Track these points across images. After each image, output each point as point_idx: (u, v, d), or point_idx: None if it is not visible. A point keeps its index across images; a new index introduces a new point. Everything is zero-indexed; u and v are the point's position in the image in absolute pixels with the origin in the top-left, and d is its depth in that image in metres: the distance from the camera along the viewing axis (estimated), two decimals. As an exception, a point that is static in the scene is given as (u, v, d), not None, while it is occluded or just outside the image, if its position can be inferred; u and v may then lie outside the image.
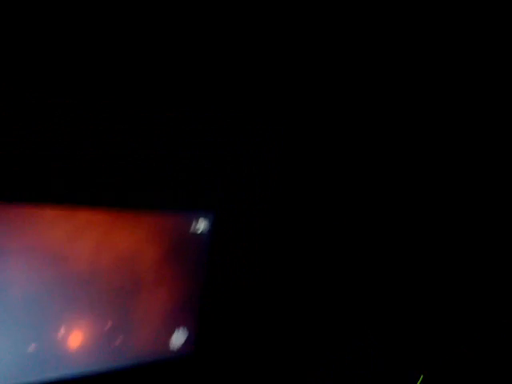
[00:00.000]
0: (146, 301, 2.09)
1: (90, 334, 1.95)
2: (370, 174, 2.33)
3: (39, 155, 1.71)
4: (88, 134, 1.83)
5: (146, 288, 2.08)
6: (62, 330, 1.87)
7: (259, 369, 2.40)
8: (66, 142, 1.78)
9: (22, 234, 1.71)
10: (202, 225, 2.22)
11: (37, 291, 1.77)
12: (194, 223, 2.20)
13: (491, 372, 1.95)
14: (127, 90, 1.88)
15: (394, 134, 2.27)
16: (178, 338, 2.22)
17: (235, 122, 2.24)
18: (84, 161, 1.83)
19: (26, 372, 1.80)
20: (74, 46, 1.67)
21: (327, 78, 2.19)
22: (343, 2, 1.72)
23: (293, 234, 2.49)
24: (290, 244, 2.48)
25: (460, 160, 2.07)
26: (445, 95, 2.08)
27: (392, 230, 2.29)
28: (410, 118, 2.21)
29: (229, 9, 1.75)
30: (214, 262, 2.28)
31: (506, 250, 1.95)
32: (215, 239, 2.26)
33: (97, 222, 1.90)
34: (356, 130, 2.35)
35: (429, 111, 2.16)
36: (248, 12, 1.78)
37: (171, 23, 1.79)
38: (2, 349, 1.73)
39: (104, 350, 2.00)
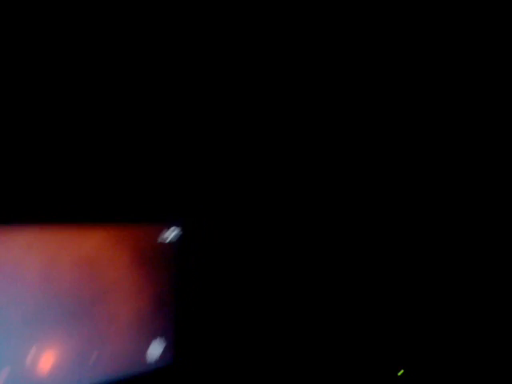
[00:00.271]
0: (120, 313, 2.07)
1: (63, 352, 1.93)
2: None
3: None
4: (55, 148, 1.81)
5: (118, 300, 2.06)
6: (34, 351, 1.86)
7: (241, 374, 2.40)
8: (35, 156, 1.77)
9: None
10: (170, 234, 2.22)
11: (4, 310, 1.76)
12: (162, 233, 2.20)
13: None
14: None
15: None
16: (156, 349, 2.21)
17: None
18: (51, 176, 1.83)
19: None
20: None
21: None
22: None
23: (262, 237, 2.49)
24: (260, 248, 2.49)
25: (445, 160, 2.10)
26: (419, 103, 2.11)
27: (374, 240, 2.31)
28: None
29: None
30: (185, 269, 2.28)
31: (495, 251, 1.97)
32: (184, 247, 2.26)
33: (64, 237, 1.89)
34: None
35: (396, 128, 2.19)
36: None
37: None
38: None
39: (79, 369, 1.98)
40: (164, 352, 2.23)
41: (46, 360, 1.88)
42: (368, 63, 2.14)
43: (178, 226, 2.24)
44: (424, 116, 2.15)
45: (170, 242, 2.21)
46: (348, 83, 2.26)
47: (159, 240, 2.18)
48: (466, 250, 2.05)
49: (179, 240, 2.24)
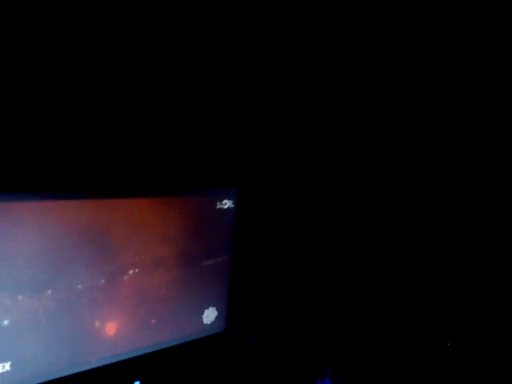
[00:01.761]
0: (179, 279, 2.08)
1: (126, 318, 1.92)
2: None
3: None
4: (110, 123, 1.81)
5: (178, 266, 2.06)
6: (100, 317, 1.86)
7: (290, 344, 2.41)
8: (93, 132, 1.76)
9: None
10: (228, 201, 2.19)
11: (74, 277, 1.74)
12: (220, 200, 2.17)
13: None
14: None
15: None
16: (210, 315, 2.21)
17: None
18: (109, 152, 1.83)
19: (65, 360, 1.79)
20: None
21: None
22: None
23: (319, 207, 2.46)
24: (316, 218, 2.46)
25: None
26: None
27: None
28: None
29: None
30: (241, 236, 2.28)
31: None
32: (241, 214, 2.25)
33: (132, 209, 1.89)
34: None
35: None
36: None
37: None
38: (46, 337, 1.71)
39: (140, 332, 1.99)
40: (217, 319, 2.24)
41: (109, 324, 1.88)
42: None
43: (234, 194, 2.23)
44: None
45: (227, 209, 2.17)
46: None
47: (217, 207, 2.14)
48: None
49: (236, 207, 2.20)
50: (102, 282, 1.83)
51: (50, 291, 1.70)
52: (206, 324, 2.22)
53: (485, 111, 1.93)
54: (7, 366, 1.63)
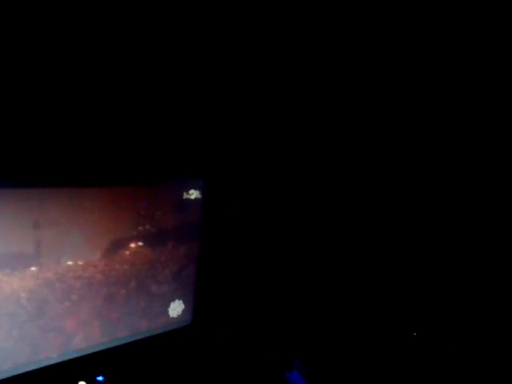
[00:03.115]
0: (144, 271, 2.02)
1: (88, 310, 1.86)
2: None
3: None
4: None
5: (143, 258, 2.01)
6: (62, 310, 1.79)
7: (257, 336, 2.38)
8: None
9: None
10: (195, 191, 2.13)
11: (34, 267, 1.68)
12: (187, 190, 2.11)
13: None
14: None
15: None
16: (177, 308, 2.17)
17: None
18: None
19: (26, 355, 1.73)
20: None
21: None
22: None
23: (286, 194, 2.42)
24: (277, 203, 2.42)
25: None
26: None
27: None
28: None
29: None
30: (209, 225, 2.22)
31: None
32: (208, 203, 2.20)
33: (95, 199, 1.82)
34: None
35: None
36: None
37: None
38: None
39: (103, 326, 1.93)
40: (184, 312, 2.19)
41: (71, 318, 1.82)
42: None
43: (201, 184, 2.17)
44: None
45: (195, 199, 2.12)
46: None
47: (185, 196, 2.08)
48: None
49: (203, 197, 2.15)
50: (64, 273, 1.76)
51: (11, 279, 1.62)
52: (173, 317, 2.17)
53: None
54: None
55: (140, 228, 1.98)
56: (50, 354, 1.80)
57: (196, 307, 2.24)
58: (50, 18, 1.52)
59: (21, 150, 1.62)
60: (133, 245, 1.96)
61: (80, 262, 1.81)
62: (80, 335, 1.88)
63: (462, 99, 1.97)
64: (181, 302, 2.18)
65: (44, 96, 1.64)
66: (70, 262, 1.77)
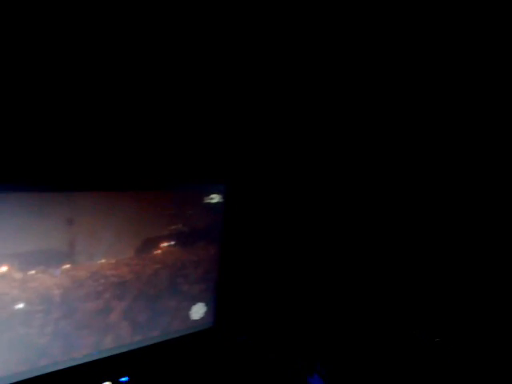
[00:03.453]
0: (167, 274, 2.07)
1: (113, 313, 1.92)
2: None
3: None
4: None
5: (166, 262, 2.06)
6: (87, 312, 1.84)
7: (277, 340, 2.39)
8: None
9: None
10: (216, 195, 2.17)
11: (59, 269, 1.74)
12: (208, 195, 2.16)
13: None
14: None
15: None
16: (199, 311, 2.20)
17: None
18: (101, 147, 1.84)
19: (52, 356, 1.78)
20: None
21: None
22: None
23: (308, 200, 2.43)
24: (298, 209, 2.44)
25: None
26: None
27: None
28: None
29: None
30: (230, 229, 2.27)
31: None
32: (229, 208, 2.24)
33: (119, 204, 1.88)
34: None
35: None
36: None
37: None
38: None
39: (127, 328, 1.98)
40: (206, 315, 2.22)
41: (96, 320, 1.88)
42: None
43: (222, 189, 2.21)
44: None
45: (216, 204, 2.16)
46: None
47: (206, 201, 2.12)
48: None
49: (224, 202, 2.21)
50: (88, 277, 1.82)
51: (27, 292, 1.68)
52: (194, 320, 2.20)
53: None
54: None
55: (167, 230, 2.03)
56: (76, 355, 1.85)
57: (217, 310, 2.27)
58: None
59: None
60: (156, 249, 2.01)
61: (105, 265, 1.86)
62: (105, 337, 1.92)
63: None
64: (203, 304, 2.21)
65: (82, 109, 1.74)
66: (94, 264, 1.83)
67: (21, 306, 1.65)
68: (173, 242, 2.06)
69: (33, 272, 1.66)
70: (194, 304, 2.19)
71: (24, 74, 1.57)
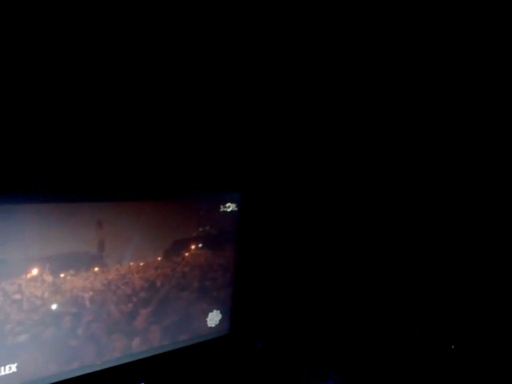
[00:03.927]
0: (183, 282, 2.10)
1: (131, 320, 1.95)
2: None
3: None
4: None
5: (182, 270, 2.09)
6: (106, 320, 1.88)
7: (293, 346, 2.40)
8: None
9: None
10: (231, 204, 2.20)
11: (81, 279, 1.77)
12: (223, 203, 2.19)
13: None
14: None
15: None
16: (215, 318, 2.22)
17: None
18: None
19: (71, 362, 1.81)
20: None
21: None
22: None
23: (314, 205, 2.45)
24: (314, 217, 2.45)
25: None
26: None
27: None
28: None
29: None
30: (245, 237, 2.30)
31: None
32: (245, 217, 2.27)
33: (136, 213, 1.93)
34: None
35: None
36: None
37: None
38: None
39: (145, 334, 2.01)
40: (221, 322, 2.24)
41: (114, 327, 1.91)
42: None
43: (238, 197, 2.25)
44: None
45: (231, 212, 2.18)
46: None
47: (222, 209, 2.15)
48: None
49: (239, 210, 2.23)
50: (107, 285, 1.85)
51: (58, 295, 1.72)
52: (211, 327, 2.22)
53: (484, 111, 1.91)
54: (13, 368, 1.65)
55: (179, 240, 2.06)
56: (95, 361, 1.88)
57: (233, 317, 2.29)
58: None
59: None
60: (172, 256, 2.04)
61: (124, 272, 1.90)
62: (123, 343, 1.95)
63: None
64: (218, 312, 2.24)
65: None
66: (113, 271, 1.87)
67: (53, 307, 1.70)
68: (189, 250, 2.09)
69: (63, 275, 1.71)
70: (211, 311, 2.22)
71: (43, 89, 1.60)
